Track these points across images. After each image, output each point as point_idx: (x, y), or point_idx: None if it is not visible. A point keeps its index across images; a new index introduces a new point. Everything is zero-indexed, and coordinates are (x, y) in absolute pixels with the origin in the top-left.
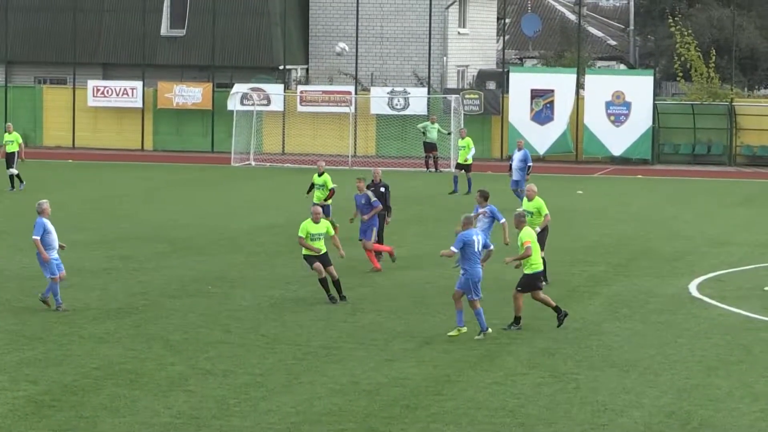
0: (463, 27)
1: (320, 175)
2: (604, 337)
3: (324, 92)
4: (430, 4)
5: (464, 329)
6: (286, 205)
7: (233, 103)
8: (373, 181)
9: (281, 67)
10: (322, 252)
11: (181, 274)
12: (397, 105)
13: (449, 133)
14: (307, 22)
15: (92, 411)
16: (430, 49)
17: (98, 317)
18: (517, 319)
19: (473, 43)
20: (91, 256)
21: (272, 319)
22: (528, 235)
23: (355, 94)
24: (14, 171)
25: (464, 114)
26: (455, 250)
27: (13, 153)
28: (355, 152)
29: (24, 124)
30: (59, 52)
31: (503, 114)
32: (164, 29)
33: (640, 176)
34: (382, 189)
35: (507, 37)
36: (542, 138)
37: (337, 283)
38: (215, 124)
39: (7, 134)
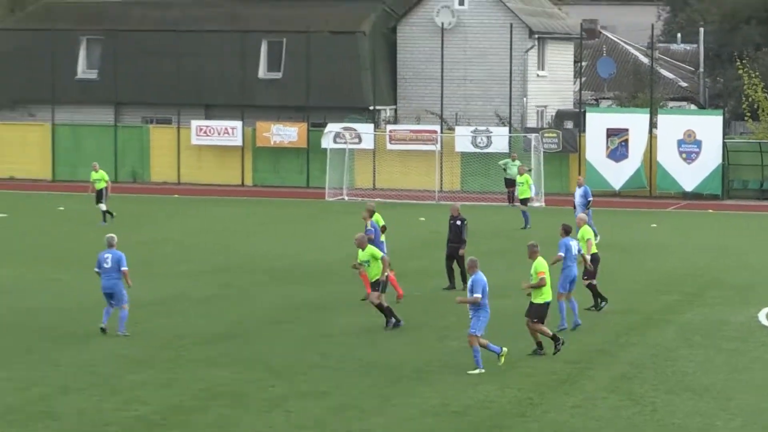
0: (542, 69)
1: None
2: (679, 362)
3: (412, 131)
4: (511, 48)
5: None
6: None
7: (327, 142)
8: (451, 215)
9: (371, 108)
10: (373, 277)
11: (280, 302)
12: (480, 143)
13: (530, 170)
14: (395, 66)
15: (199, 429)
16: (510, 91)
17: (203, 342)
18: (539, 345)
19: (552, 85)
20: (196, 285)
21: (366, 345)
22: (542, 265)
23: (441, 133)
24: (103, 207)
25: (543, 152)
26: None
27: (101, 190)
28: (441, 188)
29: (132, 161)
30: (164, 94)
31: (580, 152)
32: (262, 72)
33: (710, 211)
34: (459, 222)
35: (583, 79)
36: (617, 174)
37: (381, 308)
38: (310, 161)
39: (94, 173)
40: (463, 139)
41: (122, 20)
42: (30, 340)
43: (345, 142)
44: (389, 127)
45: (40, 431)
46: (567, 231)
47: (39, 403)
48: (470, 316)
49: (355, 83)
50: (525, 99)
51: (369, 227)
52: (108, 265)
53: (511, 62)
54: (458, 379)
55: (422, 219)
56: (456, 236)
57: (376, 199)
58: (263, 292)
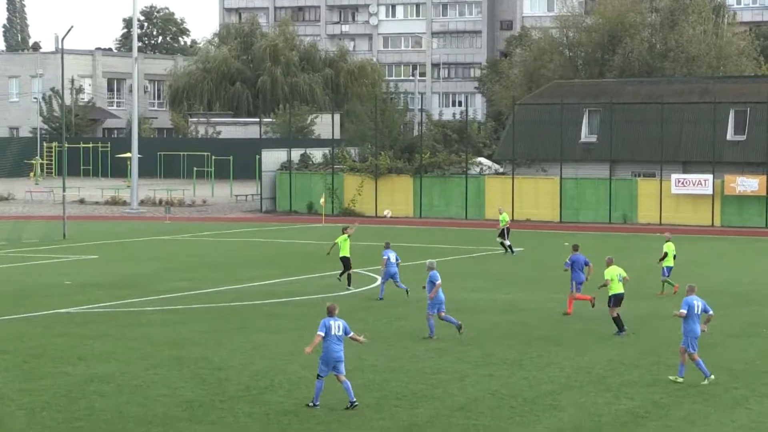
0: None
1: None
2: None
3: None
4: None
5: (681, 380)
6: None
7: None
8: None
9: None
10: None
11: (742, 320)
12: None
13: None
14: None
15: (675, 422)
16: None
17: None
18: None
19: None
20: (673, 305)
21: None
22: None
23: None
24: (507, 242)
25: None
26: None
27: (504, 228)
28: None
29: (623, 206)
30: (650, 153)
31: None
32: (729, 135)
33: None
34: None
35: None
36: None
37: None
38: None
39: (500, 214)
40: None
41: (617, 95)
42: (537, 346)
43: None
44: None
45: (548, 420)
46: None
47: (547, 397)
48: None
49: None
50: None
51: None
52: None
53: None
54: None
55: None
56: None
57: None
58: (728, 312)
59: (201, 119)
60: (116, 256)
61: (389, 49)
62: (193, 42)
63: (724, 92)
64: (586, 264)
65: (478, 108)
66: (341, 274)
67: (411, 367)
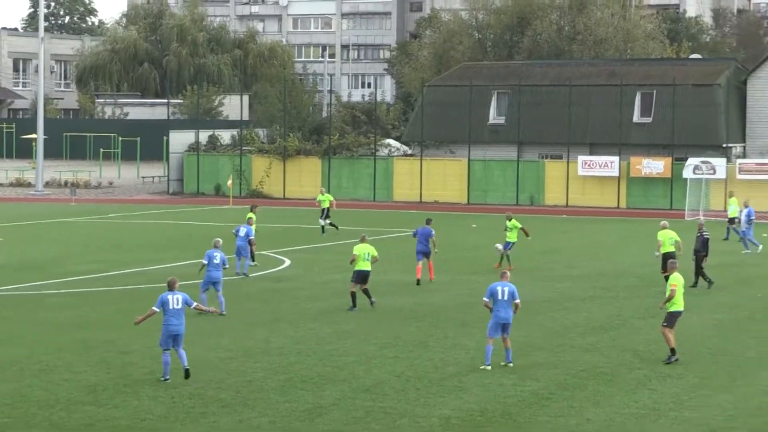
0: None
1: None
2: None
3: (757, 164)
4: None
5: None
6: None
7: (687, 173)
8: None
9: (724, 145)
10: None
11: (647, 302)
12: None
13: None
14: (745, 111)
15: (579, 403)
16: None
17: (584, 333)
18: (672, 351)
19: None
20: (579, 287)
21: (712, 336)
22: (675, 279)
23: None
24: (324, 222)
25: None
26: None
27: (326, 208)
28: None
29: (530, 188)
30: (557, 135)
31: None
32: (636, 117)
33: None
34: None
35: None
36: None
37: None
38: (673, 188)
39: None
40: None
41: (525, 77)
42: (443, 327)
43: (702, 173)
44: (739, 160)
45: (454, 401)
46: None
47: (452, 379)
48: None
49: (712, 126)
50: None
51: None
52: None
53: None
54: None
55: (765, 235)
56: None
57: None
58: (634, 294)
59: (108, 100)
60: (21, 238)
61: (299, 30)
62: (101, 22)
63: (631, 75)
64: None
65: (387, 90)
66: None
67: (317, 349)
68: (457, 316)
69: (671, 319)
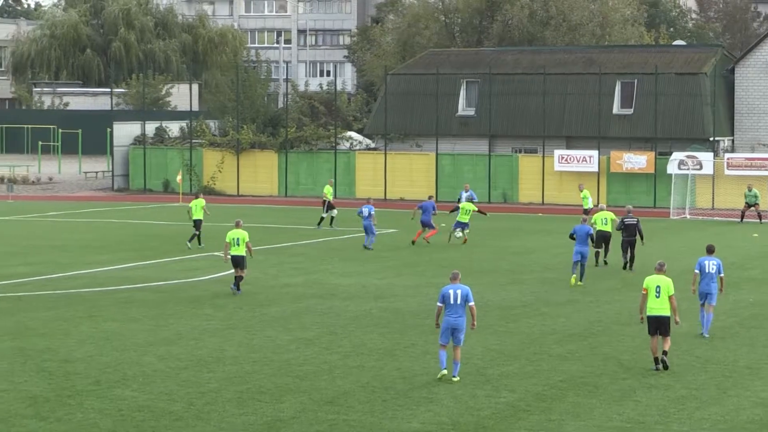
0: None
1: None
2: None
3: (747, 159)
4: None
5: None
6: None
7: (672, 168)
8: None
9: (711, 139)
10: None
11: (630, 306)
12: None
13: None
14: (732, 102)
15: (558, 415)
16: None
17: (562, 340)
18: (655, 360)
19: None
20: (557, 291)
21: (701, 344)
22: (647, 281)
23: None
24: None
25: None
26: None
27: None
28: None
29: (503, 184)
30: (532, 128)
31: None
32: (616, 109)
33: None
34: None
35: None
36: None
37: None
38: (657, 184)
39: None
40: None
41: (496, 65)
42: (411, 335)
43: (688, 169)
44: (727, 155)
45: (423, 414)
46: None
47: (422, 390)
48: None
49: (697, 117)
50: None
51: None
52: None
53: None
54: None
55: (755, 235)
56: None
57: (715, 218)
58: (616, 298)
59: (46, 89)
60: None
61: (251, 13)
62: (38, 5)
63: (610, 63)
64: (434, 209)
65: (347, 78)
66: (191, 239)
67: (275, 358)
68: (425, 322)
69: (648, 325)
